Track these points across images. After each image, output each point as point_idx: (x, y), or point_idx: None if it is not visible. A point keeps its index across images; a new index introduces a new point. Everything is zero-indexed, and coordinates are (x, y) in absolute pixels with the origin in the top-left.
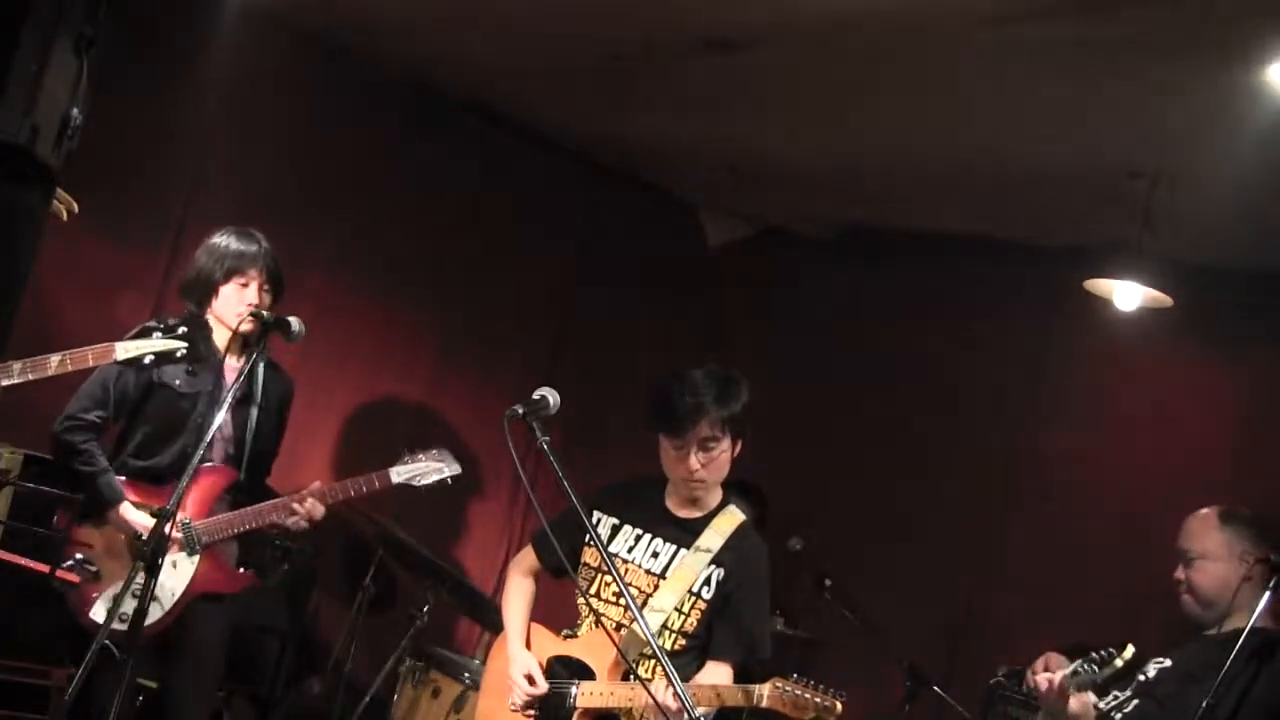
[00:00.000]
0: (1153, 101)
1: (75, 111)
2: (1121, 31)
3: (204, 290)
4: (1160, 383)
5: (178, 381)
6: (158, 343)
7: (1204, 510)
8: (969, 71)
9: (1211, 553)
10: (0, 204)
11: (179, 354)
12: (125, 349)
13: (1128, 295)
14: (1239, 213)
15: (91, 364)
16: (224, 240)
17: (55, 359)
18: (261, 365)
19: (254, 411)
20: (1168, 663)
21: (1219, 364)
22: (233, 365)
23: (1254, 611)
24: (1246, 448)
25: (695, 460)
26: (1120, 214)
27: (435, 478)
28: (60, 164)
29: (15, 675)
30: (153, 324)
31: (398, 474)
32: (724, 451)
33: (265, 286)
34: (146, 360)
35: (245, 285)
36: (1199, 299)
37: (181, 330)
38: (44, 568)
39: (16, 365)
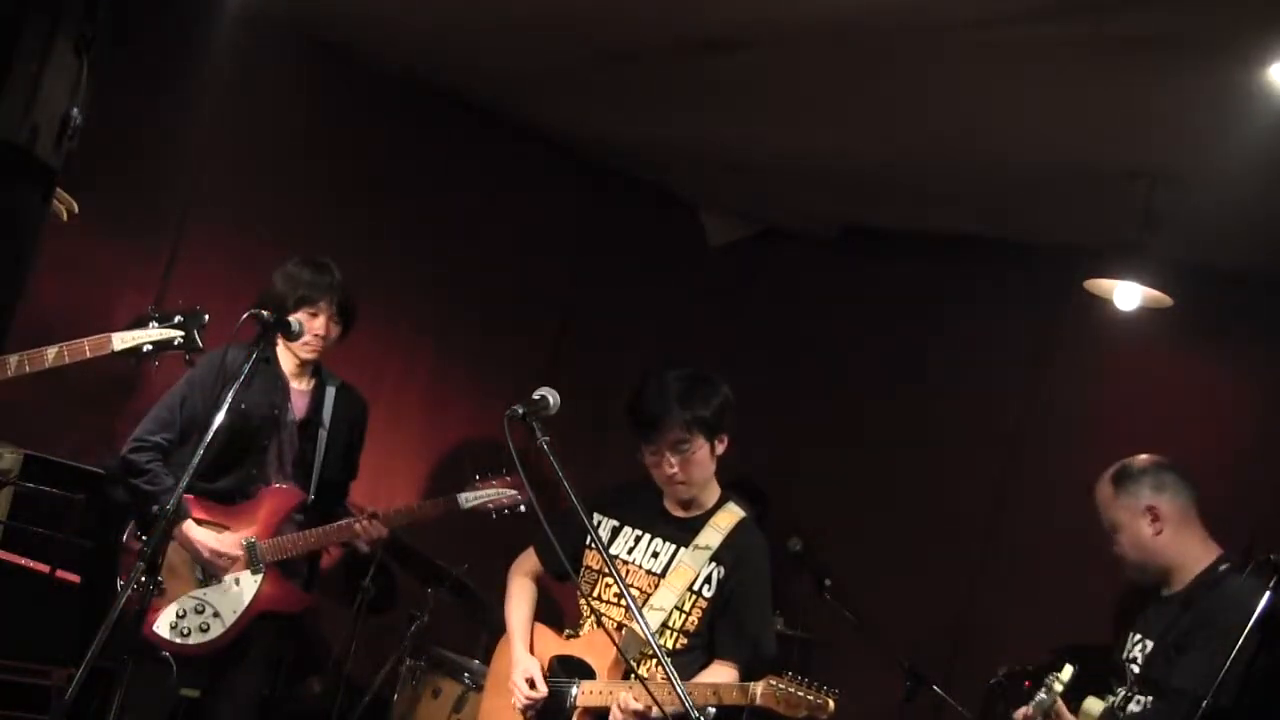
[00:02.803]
0: (1153, 101)
1: (75, 111)
2: (1121, 32)
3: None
4: (1160, 382)
5: (243, 405)
6: (154, 332)
7: (1101, 480)
8: (969, 71)
9: (1119, 522)
10: (0, 204)
11: (175, 342)
12: (122, 339)
13: (1128, 295)
14: (1239, 213)
15: (89, 355)
16: (299, 268)
17: (52, 351)
18: (331, 390)
19: (321, 434)
20: (1149, 644)
21: (1219, 364)
22: (299, 390)
23: (1247, 599)
24: (1247, 447)
25: (668, 463)
26: (1120, 214)
27: (507, 505)
28: (60, 164)
29: (15, 675)
30: (150, 313)
31: (466, 500)
32: (698, 452)
33: (335, 318)
34: (145, 349)
35: (315, 315)
36: (1199, 299)
37: (178, 319)
38: (44, 568)
39: (13, 359)
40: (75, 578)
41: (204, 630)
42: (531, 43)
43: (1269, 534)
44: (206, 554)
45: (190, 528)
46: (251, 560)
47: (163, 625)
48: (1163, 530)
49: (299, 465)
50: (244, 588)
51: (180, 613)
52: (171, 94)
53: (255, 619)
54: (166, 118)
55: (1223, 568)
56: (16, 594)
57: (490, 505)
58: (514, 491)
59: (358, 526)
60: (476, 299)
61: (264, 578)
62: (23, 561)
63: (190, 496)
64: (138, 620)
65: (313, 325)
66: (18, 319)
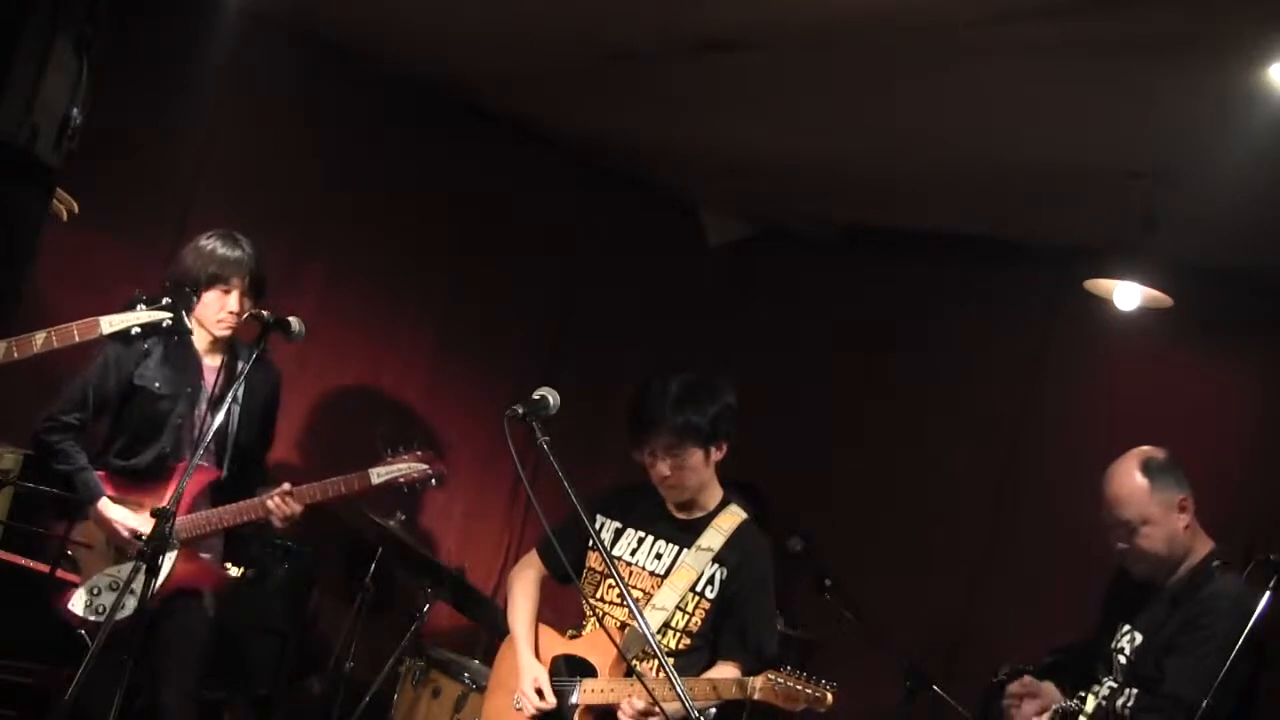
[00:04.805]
0: (1153, 101)
1: (75, 111)
2: (1121, 31)
3: (185, 293)
4: (1160, 383)
5: (157, 384)
6: (143, 314)
7: (1124, 472)
8: (969, 71)
9: (1152, 516)
10: (0, 204)
11: (165, 324)
12: (110, 322)
13: (1128, 295)
14: (1239, 213)
15: (77, 339)
16: (209, 244)
17: (40, 336)
18: (242, 364)
19: (234, 410)
20: (1138, 636)
21: (1219, 364)
22: (211, 366)
23: (1247, 601)
24: (1247, 447)
25: (662, 467)
26: (1120, 214)
27: (418, 479)
28: (60, 164)
29: (15, 675)
30: (137, 296)
31: (378, 475)
32: (690, 458)
33: (247, 293)
34: (134, 332)
35: (227, 293)
36: (1199, 299)
37: (166, 301)
38: (44, 568)
39: (0, 345)
40: (75, 578)
41: (120, 608)
42: (531, 43)
43: (1269, 534)
44: (124, 532)
45: (106, 506)
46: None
47: (77, 603)
48: (1189, 524)
49: (213, 441)
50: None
51: (95, 590)
52: (171, 94)
53: (172, 595)
54: (166, 118)
55: (1215, 563)
56: (16, 594)
57: (401, 480)
58: (425, 466)
59: (270, 503)
60: (476, 299)
61: (178, 555)
62: (23, 561)
63: (104, 474)
64: (136, 620)
65: (225, 303)
66: (17, 318)
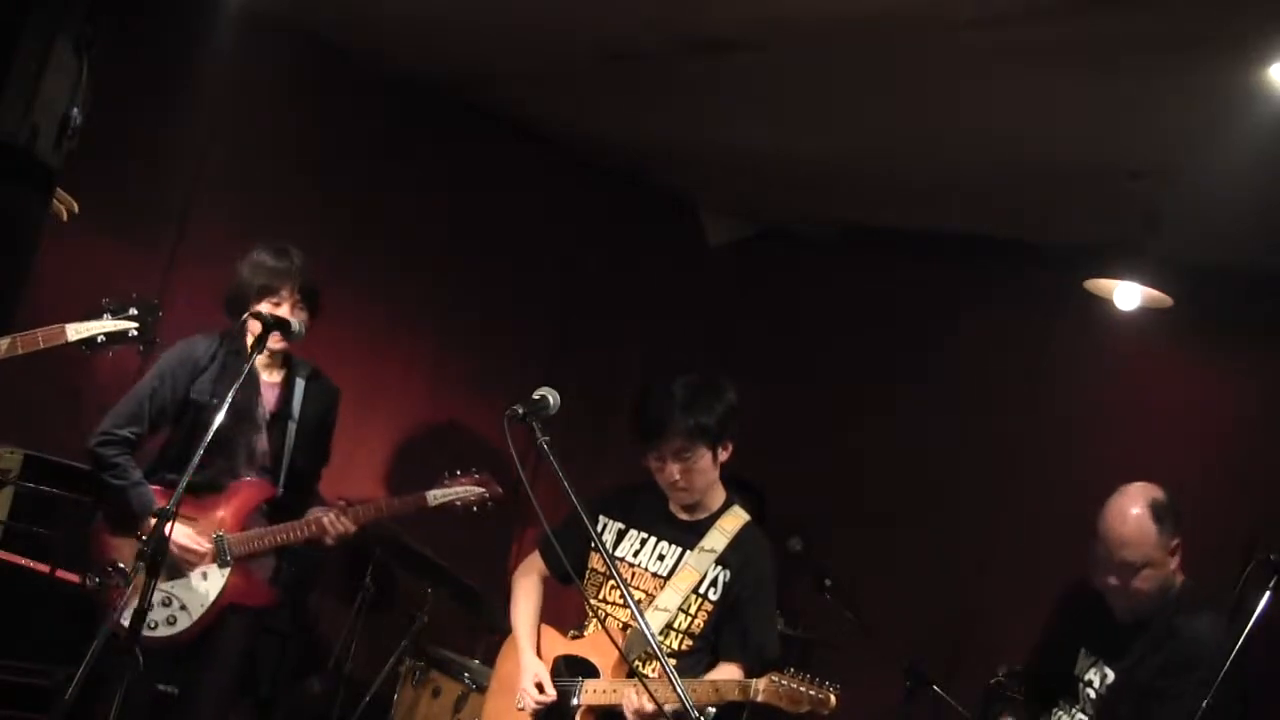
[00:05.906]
0: (1153, 101)
1: (75, 111)
2: (1121, 31)
3: (240, 307)
4: (1160, 382)
5: (214, 399)
6: (109, 323)
7: (1131, 513)
8: (968, 71)
9: (1155, 559)
10: (0, 204)
11: (130, 334)
12: (77, 330)
13: (1128, 295)
14: (1239, 213)
15: (42, 345)
16: (260, 257)
17: (4, 343)
18: (301, 381)
19: (290, 427)
20: (1108, 671)
21: (1219, 364)
22: (270, 382)
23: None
24: (1246, 447)
25: (671, 470)
26: (1120, 214)
27: (474, 502)
28: (60, 164)
29: (15, 675)
30: (105, 305)
31: (434, 497)
32: (700, 460)
33: (299, 304)
34: (99, 340)
35: (278, 304)
36: (1199, 299)
37: (132, 311)
38: (44, 568)
39: None
40: (75, 578)
41: (171, 623)
42: (531, 43)
43: (1269, 534)
44: (175, 548)
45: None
46: (219, 554)
47: (128, 617)
48: (1177, 566)
49: (269, 458)
50: (211, 581)
51: (147, 605)
52: (171, 94)
53: (223, 612)
54: (166, 118)
55: (1185, 597)
56: (16, 594)
57: (457, 502)
58: (481, 489)
59: (325, 522)
60: (476, 299)
61: (231, 571)
62: (23, 561)
63: (158, 489)
64: (137, 620)
65: (276, 314)
66: (18, 319)
